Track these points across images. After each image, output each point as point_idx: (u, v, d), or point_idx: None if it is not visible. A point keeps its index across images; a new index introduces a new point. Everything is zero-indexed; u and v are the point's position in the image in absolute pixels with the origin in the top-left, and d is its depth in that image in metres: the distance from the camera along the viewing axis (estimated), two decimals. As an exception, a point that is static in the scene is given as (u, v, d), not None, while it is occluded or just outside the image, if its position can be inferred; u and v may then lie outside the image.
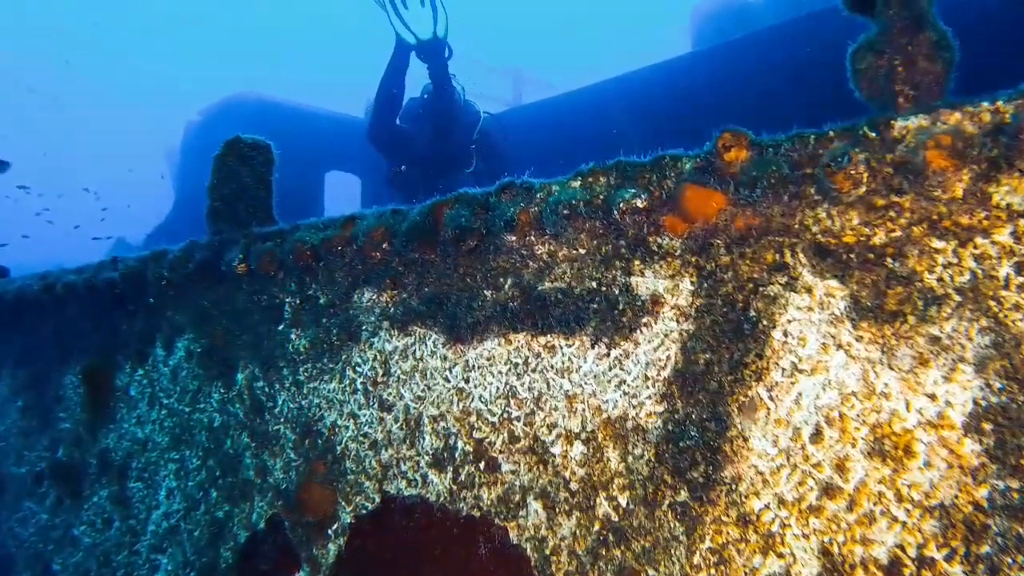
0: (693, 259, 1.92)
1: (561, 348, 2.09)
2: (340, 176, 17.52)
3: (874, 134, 1.72)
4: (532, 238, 2.15)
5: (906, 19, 1.75)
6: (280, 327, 2.71)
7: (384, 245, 2.40)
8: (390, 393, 2.40)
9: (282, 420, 2.66)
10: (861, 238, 1.72)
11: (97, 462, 3.24)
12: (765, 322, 1.80)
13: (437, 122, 9.63)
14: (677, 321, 1.92)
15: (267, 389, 2.72)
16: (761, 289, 1.81)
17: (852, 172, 1.68)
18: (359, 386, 2.48)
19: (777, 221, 1.81)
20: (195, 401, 2.94)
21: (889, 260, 1.68)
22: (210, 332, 2.91)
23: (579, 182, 2.09)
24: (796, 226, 1.79)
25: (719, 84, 12.79)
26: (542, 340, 2.12)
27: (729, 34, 14.36)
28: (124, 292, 3.16)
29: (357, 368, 2.49)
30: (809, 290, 1.76)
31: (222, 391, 2.85)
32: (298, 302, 2.67)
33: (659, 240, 1.96)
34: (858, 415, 1.69)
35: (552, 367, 2.10)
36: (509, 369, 2.17)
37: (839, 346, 1.72)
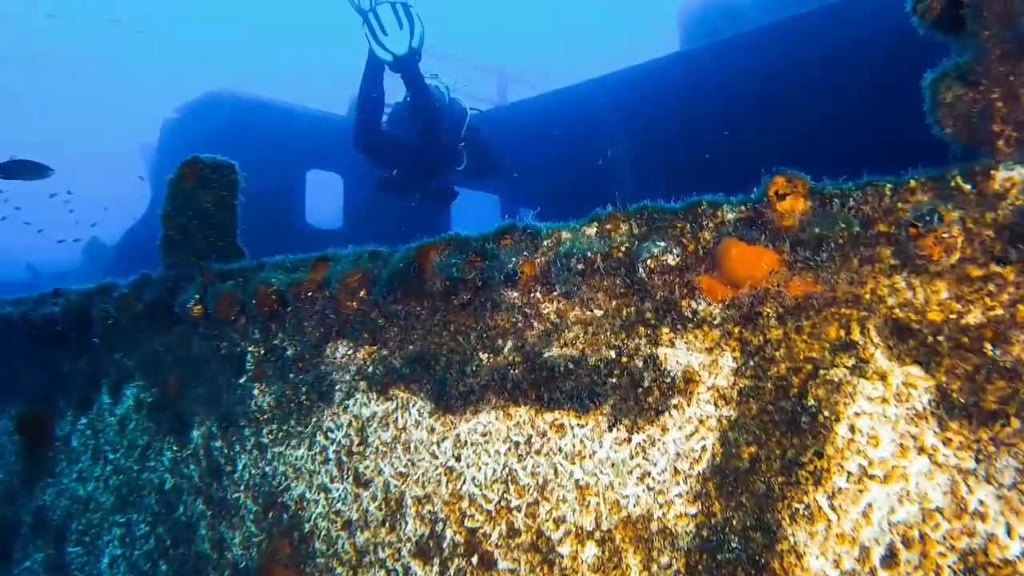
0: (736, 330, 1.58)
1: (572, 428, 1.74)
2: (322, 176, 17.10)
3: (969, 187, 1.38)
4: (538, 295, 1.80)
5: (1007, 42, 1.42)
6: (242, 380, 2.34)
7: (361, 293, 2.05)
8: (367, 466, 2.05)
9: (242, 488, 2.30)
10: (951, 316, 1.38)
11: (32, 521, 2.86)
12: (827, 414, 1.46)
13: (422, 127, 9.40)
14: (715, 405, 1.58)
15: (226, 450, 2.36)
16: (822, 372, 1.48)
17: (943, 235, 1.35)
18: (331, 455, 2.12)
19: (843, 289, 1.47)
20: (144, 458, 2.57)
21: (988, 346, 1.35)
22: (162, 380, 2.54)
23: (595, 228, 1.75)
24: (868, 297, 1.46)
25: (708, 84, 12.50)
26: (548, 417, 1.78)
27: (717, 33, 14.10)
28: (66, 329, 2.79)
29: (329, 434, 2.13)
30: (883, 377, 1.43)
31: (175, 449, 2.49)
32: (262, 352, 2.31)
33: (694, 305, 1.62)
34: (944, 537, 1.36)
35: (560, 450, 1.75)
36: (509, 448, 1.82)
37: (921, 449, 1.39)
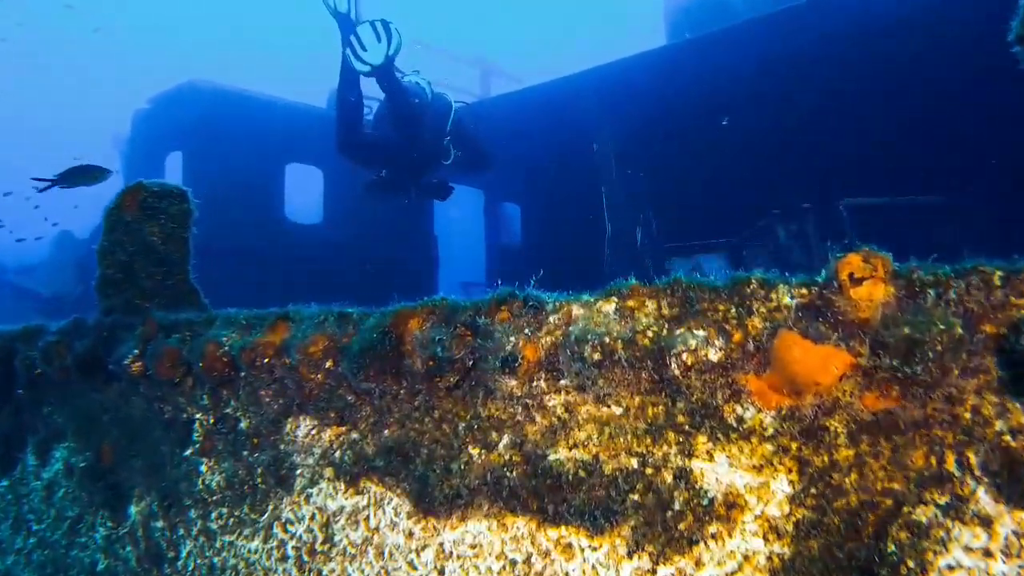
0: (794, 447, 1.26)
1: (582, 550, 1.42)
2: (302, 169, 16.65)
3: (1109, 286, 1.07)
4: (542, 383, 1.47)
5: None
6: (187, 452, 2.00)
7: (327, 364, 1.71)
8: (332, 569, 1.72)
9: (186, 579, 1.96)
10: (1083, 452, 1.07)
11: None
12: (911, 565, 1.15)
13: (403, 128, 9.21)
14: (765, 539, 1.26)
15: (168, 533, 2.01)
16: (906, 510, 1.16)
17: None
18: (290, 552, 1.79)
19: (938, 407, 1.16)
20: (74, 533, 2.22)
21: None
22: (97, 444, 2.19)
23: (614, 304, 1.42)
24: (968, 417, 1.14)
25: (696, 78, 12.22)
26: (553, 533, 1.45)
27: (705, 27, 13.81)
28: (-12, 377, 2.42)
29: (289, 527, 1.80)
30: (987, 523, 1.12)
31: (109, 526, 2.14)
32: (211, 422, 1.96)
33: (740, 411, 1.30)
34: None
35: (567, 575, 1.43)
36: (504, 567, 1.50)
37: (1039, 621, 1.08)
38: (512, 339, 1.46)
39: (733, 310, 1.30)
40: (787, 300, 1.27)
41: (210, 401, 1.97)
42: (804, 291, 1.26)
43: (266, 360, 1.80)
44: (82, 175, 4.78)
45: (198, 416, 1.99)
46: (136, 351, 2.05)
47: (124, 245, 2.27)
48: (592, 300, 1.44)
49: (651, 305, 1.38)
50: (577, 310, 1.44)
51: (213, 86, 15.05)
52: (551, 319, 1.46)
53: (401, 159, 9.52)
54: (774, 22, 10.89)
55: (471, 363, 1.51)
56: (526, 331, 1.47)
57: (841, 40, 10.65)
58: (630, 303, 1.40)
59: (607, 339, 1.35)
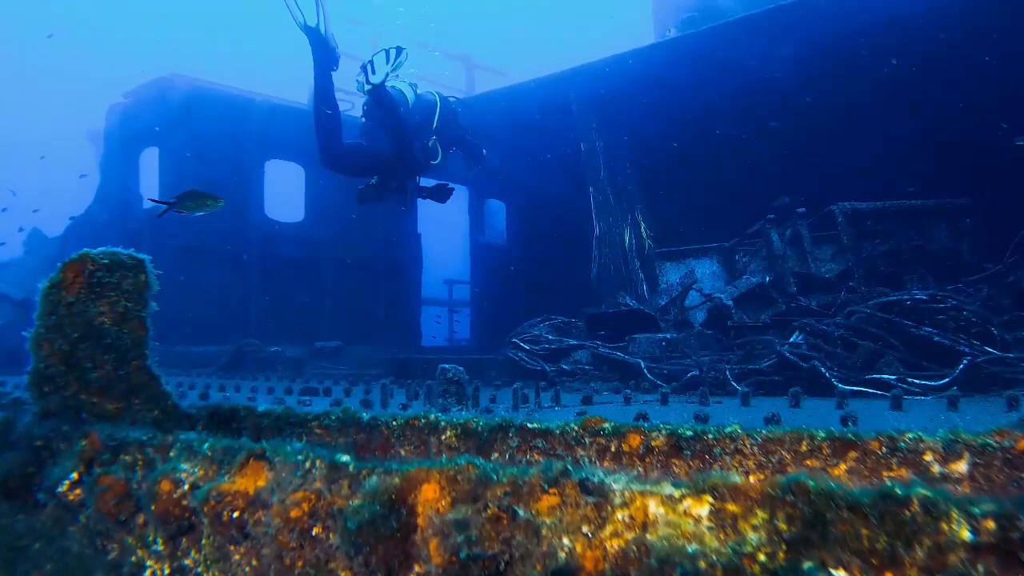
0: None
1: None
2: (283, 166, 16.17)
3: None
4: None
5: None
6: (136, 606, 1.61)
7: (315, 531, 1.33)
8: None
9: None
10: None
11: None
12: None
13: (390, 138, 9.47)
14: None
15: None
16: None
17: None
18: None
19: None
20: None
21: None
22: (26, 579, 1.79)
23: (707, 506, 1.04)
24: None
25: (685, 76, 11.90)
26: None
27: (694, 24, 13.50)
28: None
29: None
30: None
31: None
32: (167, 572, 1.57)
33: None
34: None
35: None
36: None
37: None
38: (567, 541, 1.09)
39: (884, 540, 0.94)
40: (965, 535, 0.91)
41: (165, 548, 1.58)
42: (989, 523, 0.90)
43: (235, 515, 1.41)
44: (195, 201, 4.85)
45: (150, 563, 1.60)
46: (74, 476, 1.66)
47: (65, 331, 1.87)
48: (677, 495, 1.07)
49: (762, 514, 1.01)
50: (655, 507, 1.07)
51: (190, 81, 14.53)
52: (618, 515, 1.09)
53: (390, 166, 9.49)
54: (768, 19, 10.60)
55: (503, 565, 1.14)
56: (584, 530, 1.09)
57: (835, 39, 10.40)
58: (731, 507, 1.03)
59: (702, 565, 0.99)
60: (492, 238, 20.59)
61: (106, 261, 1.90)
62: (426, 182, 10.91)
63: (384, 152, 9.37)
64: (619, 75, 12.42)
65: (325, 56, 8.84)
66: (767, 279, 8.99)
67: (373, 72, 8.75)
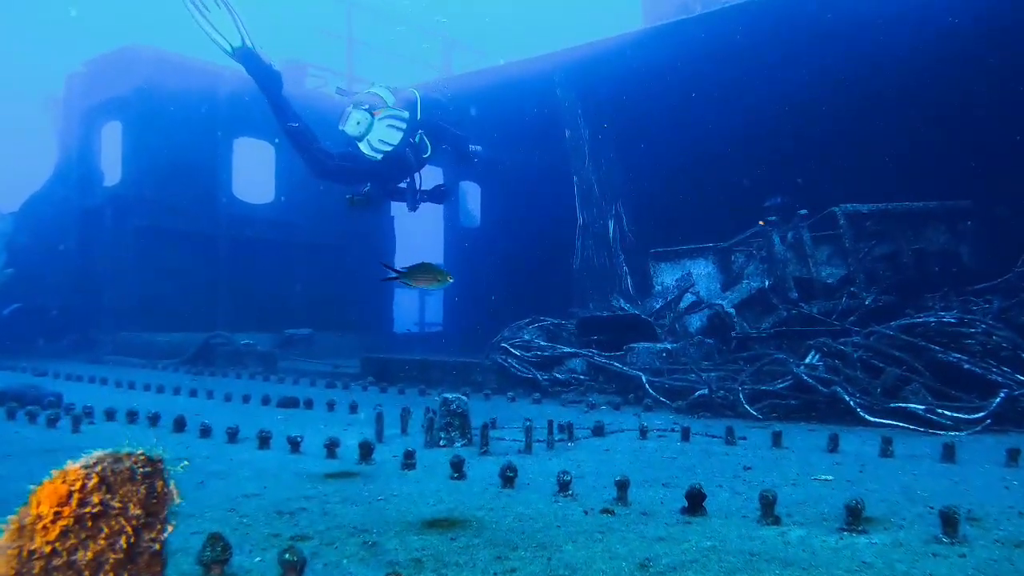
0: None
1: None
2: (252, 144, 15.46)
3: None
4: None
5: None
6: None
7: None
8: None
9: None
10: None
11: None
12: None
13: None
14: None
15: None
16: None
17: None
18: None
19: None
20: None
21: None
22: None
23: None
24: None
25: (674, 64, 11.46)
26: None
27: (685, 10, 13.04)
28: None
29: None
30: None
31: None
32: None
33: None
34: None
35: None
36: None
37: None
38: None
39: None
40: None
41: None
42: None
43: None
44: (426, 274, 4.84)
45: None
46: None
47: None
48: None
49: None
50: None
51: (156, 51, 13.73)
52: None
53: (380, 171, 9.09)
54: (771, 6, 10.19)
55: None
56: None
57: (831, 25, 10.04)
58: None
59: None
60: (467, 221, 20.08)
61: (104, 473, 1.39)
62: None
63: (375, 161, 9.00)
64: (609, 60, 11.93)
65: (264, 75, 8.51)
66: (767, 283, 8.64)
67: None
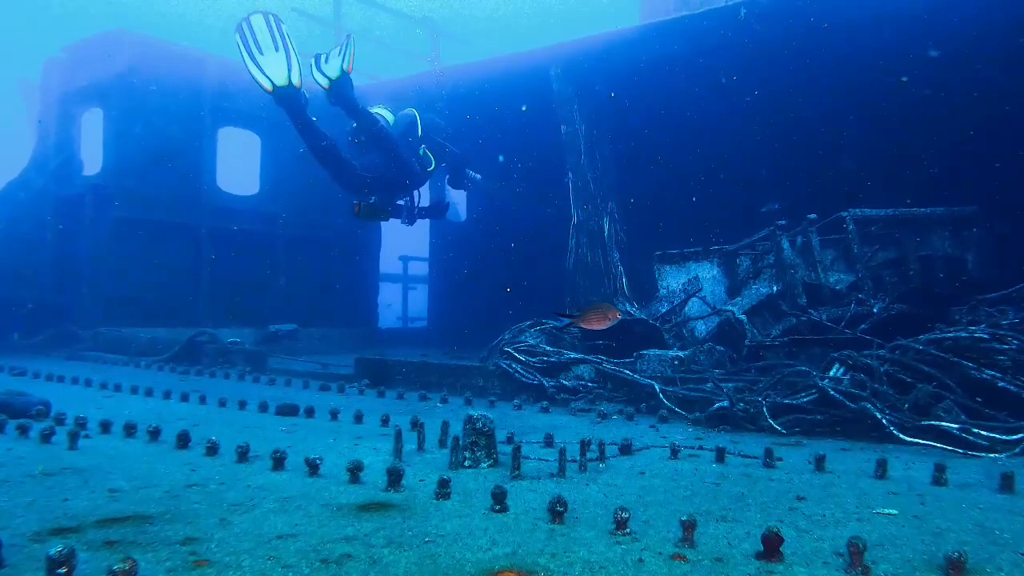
0: None
1: None
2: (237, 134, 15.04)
3: None
4: None
5: None
6: None
7: None
8: None
9: None
10: None
11: None
12: None
13: (381, 152, 9.56)
14: None
15: None
16: None
17: None
18: None
19: None
20: None
21: None
22: None
23: None
24: None
25: (672, 61, 11.26)
26: None
27: (684, 7, 12.85)
28: None
29: None
30: None
31: None
32: None
33: None
34: None
35: None
36: None
37: None
38: None
39: None
40: None
41: None
42: None
43: None
44: (599, 312, 4.83)
45: None
46: None
47: None
48: None
49: None
50: None
51: (139, 36, 13.26)
52: None
53: (391, 183, 9.53)
54: (776, 6, 10.00)
55: None
56: None
57: (826, 25, 9.88)
58: None
59: None
60: (453, 216, 19.74)
61: None
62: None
63: (390, 169, 9.40)
64: (608, 55, 11.68)
65: (297, 107, 8.53)
66: (775, 289, 8.46)
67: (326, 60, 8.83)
